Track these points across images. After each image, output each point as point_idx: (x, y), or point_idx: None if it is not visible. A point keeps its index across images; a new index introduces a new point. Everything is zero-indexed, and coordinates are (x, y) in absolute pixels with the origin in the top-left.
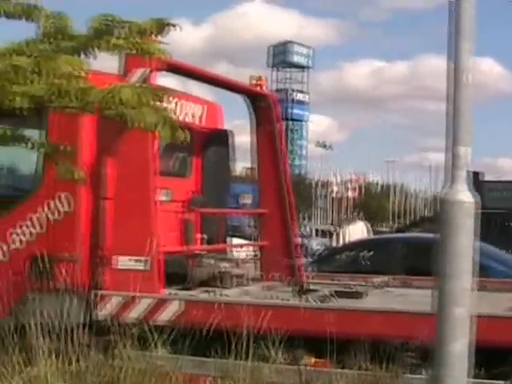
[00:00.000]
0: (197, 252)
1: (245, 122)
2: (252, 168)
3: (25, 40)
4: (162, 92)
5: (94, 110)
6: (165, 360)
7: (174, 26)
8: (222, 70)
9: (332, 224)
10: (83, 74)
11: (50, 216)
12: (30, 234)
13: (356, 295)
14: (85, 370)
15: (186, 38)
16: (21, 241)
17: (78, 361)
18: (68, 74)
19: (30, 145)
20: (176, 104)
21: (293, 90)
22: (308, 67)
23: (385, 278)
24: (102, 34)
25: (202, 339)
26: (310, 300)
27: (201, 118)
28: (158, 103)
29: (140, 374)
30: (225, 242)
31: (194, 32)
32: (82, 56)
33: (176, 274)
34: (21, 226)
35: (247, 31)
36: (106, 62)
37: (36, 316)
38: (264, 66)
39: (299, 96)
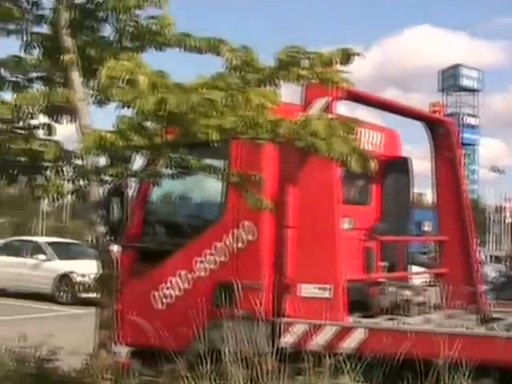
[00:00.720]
0: (378, 280)
1: (412, 147)
2: (422, 194)
3: (215, 74)
4: (353, 124)
5: (283, 140)
6: None
7: (358, 55)
8: (390, 95)
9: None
10: (272, 105)
11: (234, 244)
12: (215, 261)
13: None
14: None
15: (354, 64)
16: (205, 269)
17: None
18: (259, 105)
19: (218, 175)
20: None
21: (464, 114)
22: (478, 90)
23: None
24: (288, 65)
25: (390, 367)
26: (495, 328)
27: (380, 145)
28: (347, 134)
29: None
30: (405, 269)
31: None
32: (268, 87)
33: (357, 302)
34: (205, 254)
35: (415, 56)
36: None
37: (225, 343)
38: (432, 91)
39: (470, 120)
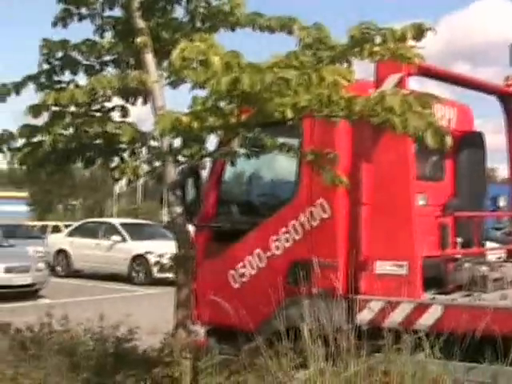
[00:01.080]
0: (454, 256)
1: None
2: (493, 168)
3: (288, 52)
4: (429, 98)
5: (358, 117)
6: (436, 365)
7: (431, 29)
8: (459, 70)
9: None
10: (346, 82)
11: (308, 222)
12: (290, 240)
13: None
14: (356, 374)
15: (424, 39)
16: (280, 247)
17: (347, 365)
18: (333, 83)
19: (293, 153)
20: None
21: None
22: None
23: None
24: (361, 42)
25: (469, 344)
26: None
27: (453, 120)
28: (422, 109)
29: (411, 379)
30: (481, 245)
31: (430, 32)
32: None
33: (433, 279)
34: (281, 233)
35: (484, 29)
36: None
37: (302, 320)
38: (503, 65)
39: None
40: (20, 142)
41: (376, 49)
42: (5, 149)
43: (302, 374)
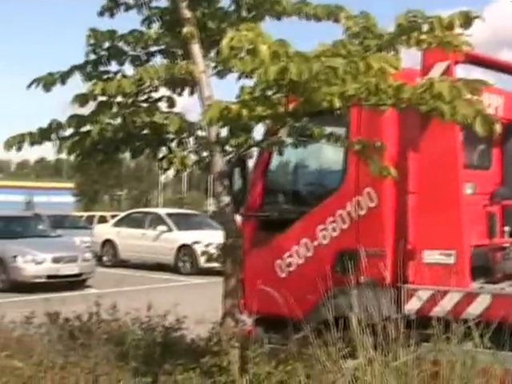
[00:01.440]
0: (502, 245)
1: None
2: None
3: (335, 41)
4: (479, 84)
5: (406, 105)
6: (486, 355)
7: (478, 17)
8: (505, 58)
9: None
10: (393, 70)
11: (355, 211)
12: (337, 229)
13: None
14: (405, 364)
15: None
16: (327, 236)
17: (396, 355)
18: (380, 71)
19: (340, 142)
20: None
21: None
22: None
23: None
24: (408, 30)
25: None
26: None
27: (500, 108)
28: (470, 96)
29: (461, 368)
30: None
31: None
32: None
33: (481, 268)
34: (327, 222)
35: None
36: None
37: (349, 310)
38: None
39: None
40: (68, 131)
41: (423, 37)
42: (53, 138)
43: (350, 363)
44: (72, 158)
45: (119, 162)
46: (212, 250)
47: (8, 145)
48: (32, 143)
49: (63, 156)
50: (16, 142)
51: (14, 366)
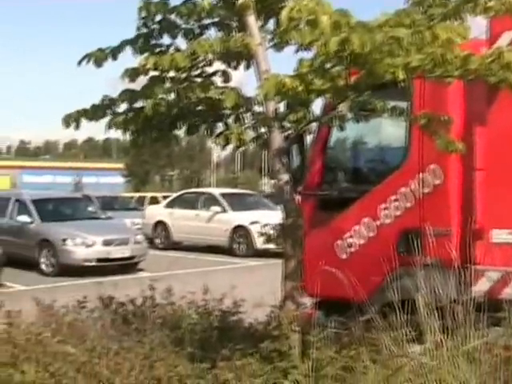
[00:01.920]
0: None
1: None
2: None
3: (398, 10)
4: None
5: (473, 77)
6: None
7: None
8: None
9: None
10: (461, 40)
11: (419, 189)
12: (400, 208)
13: None
14: (475, 348)
15: None
16: (390, 215)
17: (465, 339)
18: (448, 41)
19: (405, 116)
20: None
21: None
22: None
23: None
24: None
25: None
26: None
27: None
28: None
29: None
30: None
31: None
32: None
33: None
34: (390, 201)
35: None
36: None
37: (415, 292)
38: None
39: None
40: (122, 108)
41: (491, 4)
42: (108, 114)
43: (417, 347)
44: (126, 135)
45: (175, 138)
46: (270, 231)
47: (66, 122)
48: (89, 119)
49: (113, 135)
50: (73, 119)
51: (66, 352)
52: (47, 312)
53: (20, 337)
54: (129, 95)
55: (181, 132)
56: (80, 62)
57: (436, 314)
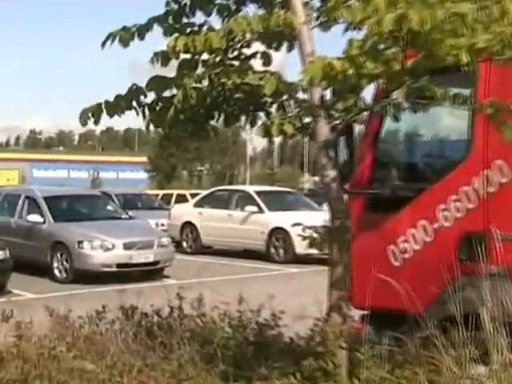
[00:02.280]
0: None
1: None
2: None
3: None
4: None
5: None
6: None
7: None
8: None
9: None
10: None
11: (484, 188)
12: (461, 209)
13: None
14: None
15: None
16: (450, 217)
17: None
18: None
19: (469, 105)
20: None
21: None
22: None
23: None
24: None
25: None
26: None
27: None
28: None
29: None
30: None
31: None
32: None
33: None
34: (450, 201)
35: None
36: None
37: (481, 304)
38: None
39: None
40: (149, 98)
41: None
42: (134, 106)
43: (482, 368)
44: (157, 129)
45: (214, 130)
46: (313, 234)
47: (84, 118)
48: (111, 114)
49: (135, 124)
50: (92, 113)
51: (83, 369)
52: (61, 323)
53: (31, 351)
54: (158, 83)
55: (218, 124)
56: (104, 43)
57: (503, 331)
